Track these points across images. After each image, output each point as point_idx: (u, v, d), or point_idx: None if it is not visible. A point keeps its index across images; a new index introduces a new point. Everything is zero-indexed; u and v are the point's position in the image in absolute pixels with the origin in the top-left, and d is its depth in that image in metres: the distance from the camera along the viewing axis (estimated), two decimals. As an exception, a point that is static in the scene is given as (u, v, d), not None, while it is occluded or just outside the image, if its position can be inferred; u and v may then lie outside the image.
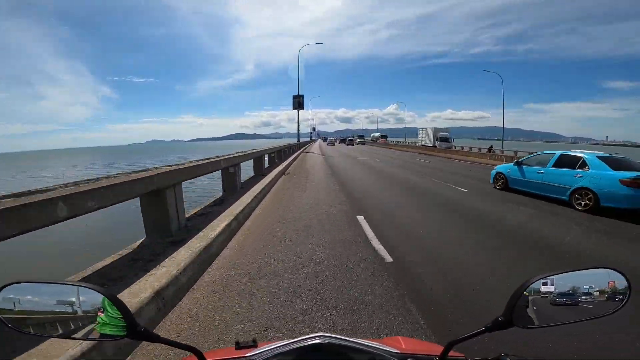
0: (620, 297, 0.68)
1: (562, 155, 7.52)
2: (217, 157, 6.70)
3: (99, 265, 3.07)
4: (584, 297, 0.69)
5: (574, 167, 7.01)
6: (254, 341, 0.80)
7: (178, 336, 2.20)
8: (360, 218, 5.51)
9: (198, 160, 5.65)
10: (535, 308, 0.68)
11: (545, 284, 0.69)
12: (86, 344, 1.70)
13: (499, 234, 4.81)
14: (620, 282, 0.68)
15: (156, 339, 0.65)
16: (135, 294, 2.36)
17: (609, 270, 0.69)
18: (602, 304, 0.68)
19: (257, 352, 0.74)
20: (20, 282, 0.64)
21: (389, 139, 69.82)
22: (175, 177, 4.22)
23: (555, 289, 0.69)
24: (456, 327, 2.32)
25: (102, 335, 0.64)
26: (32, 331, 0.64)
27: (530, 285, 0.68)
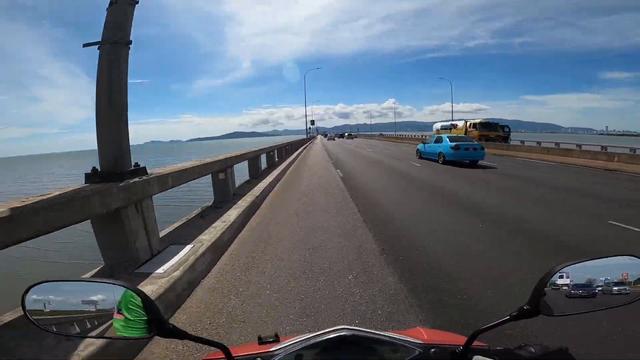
0: (646, 284, 0.68)
1: (437, 136, 14.94)
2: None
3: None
4: (608, 285, 0.69)
5: (439, 142, 13.84)
6: (276, 336, 0.80)
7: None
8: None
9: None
10: (560, 296, 0.68)
11: (568, 273, 0.69)
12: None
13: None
14: (646, 269, 0.68)
15: (185, 336, 0.65)
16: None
17: (634, 257, 0.69)
18: (627, 292, 0.68)
19: (281, 346, 0.74)
20: (47, 281, 0.63)
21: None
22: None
23: (579, 277, 0.69)
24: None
25: (131, 334, 0.63)
26: (62, 331, 0.63)
27: (555, 274, 0.68)
